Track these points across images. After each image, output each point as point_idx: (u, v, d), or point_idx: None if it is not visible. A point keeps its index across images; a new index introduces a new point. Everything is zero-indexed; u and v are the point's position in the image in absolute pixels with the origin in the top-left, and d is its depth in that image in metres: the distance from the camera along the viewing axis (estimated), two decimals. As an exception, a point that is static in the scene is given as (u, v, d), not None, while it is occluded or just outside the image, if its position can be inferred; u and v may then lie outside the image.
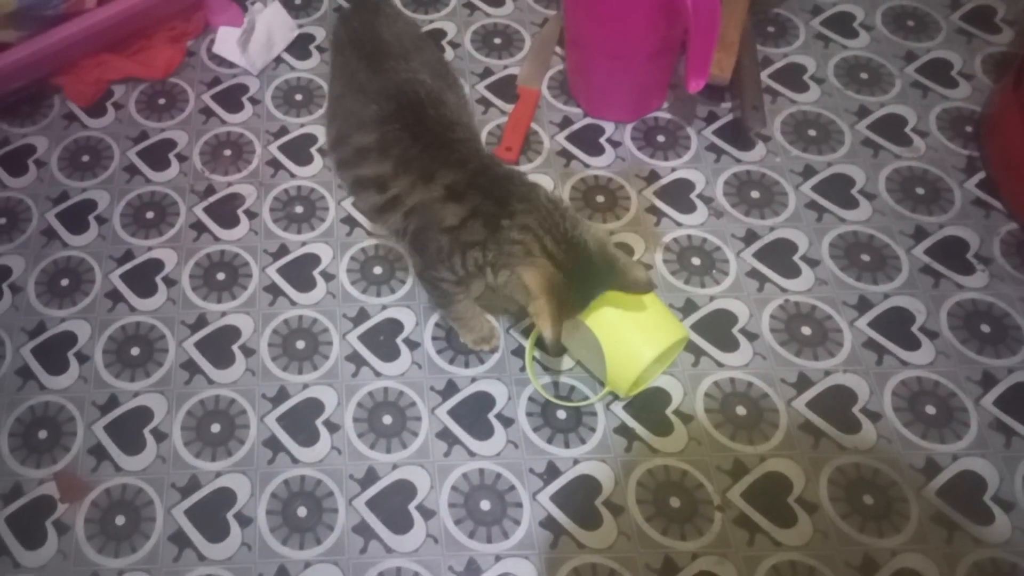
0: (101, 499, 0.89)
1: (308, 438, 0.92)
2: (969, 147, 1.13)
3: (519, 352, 0.98)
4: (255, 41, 1.23)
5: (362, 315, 1.01)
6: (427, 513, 0.87)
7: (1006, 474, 0.88)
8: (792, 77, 1.22)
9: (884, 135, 1.15)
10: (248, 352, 0.98)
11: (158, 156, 1.16)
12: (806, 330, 0.98)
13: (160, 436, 0.93)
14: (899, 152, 1.13)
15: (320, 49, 1.28)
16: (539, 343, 0.97)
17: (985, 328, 0.98)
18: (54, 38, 1.16)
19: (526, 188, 0.81)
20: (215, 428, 0.93)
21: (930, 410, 0.92)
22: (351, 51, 0.88)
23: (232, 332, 1.00)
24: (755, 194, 1.10)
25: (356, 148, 0.85)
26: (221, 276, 1.05)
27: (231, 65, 1.25)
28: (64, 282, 1.04)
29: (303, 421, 0.93)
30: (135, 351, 0.99)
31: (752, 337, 0.98)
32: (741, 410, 0.93)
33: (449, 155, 0.82)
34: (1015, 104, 1.08)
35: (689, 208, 1.09)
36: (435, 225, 0.82)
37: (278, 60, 1.26)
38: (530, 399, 0.94)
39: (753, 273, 1.03)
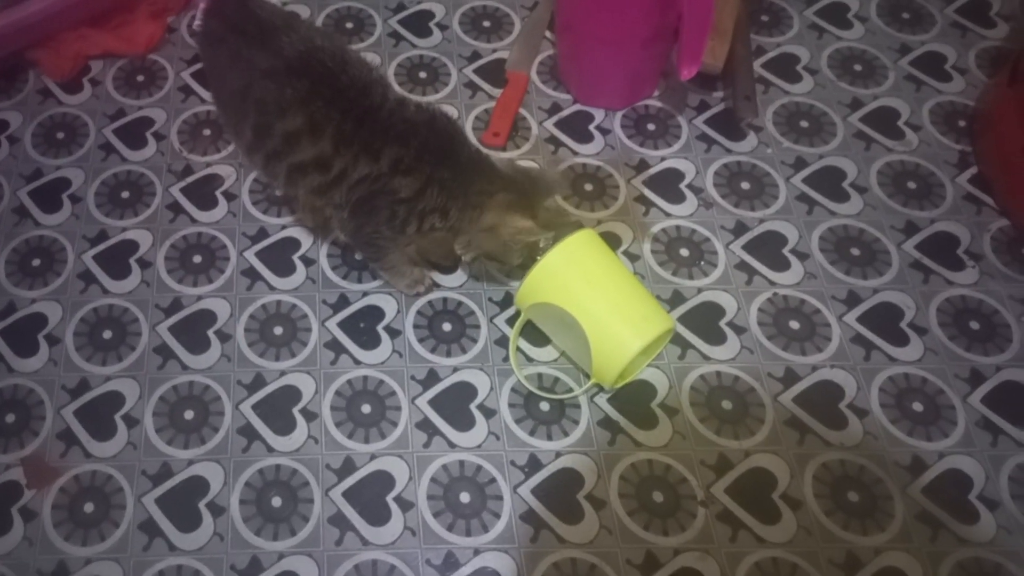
0: (70, 486, 0.87)
1: (284, 426, 0.90)
2: (962, 142, 1.12)
3: (502, 342, 0.96)
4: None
5: (342, 301, 0.99)
6: (405, 505, 0.86)
7: (992, 473, 0.87)
8: (785, 67, 1.20)
9: (876, 128, 1.14)
10: (224, 337, 0.96)
11: (135, 134, 1.13)
12: (794, 324, 0.97)
13: (131, 422, 0.90)
14: (891, 145, 1.12)
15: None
16: (524, 332, 0.95)
17: (974, 325, 0.97)
18: (31, 9, 1.12)
19: (468, 147, 0.86)
20: (188, 415, 0.91)
21: (917, 407, 0.91)
22: (235, 40, 0.84)
23: (208, 316, 0.97)
24: (745, 185, 1.08)
25: (284, 135, 0.83)
26: (197, 259, 1.02)
27: (212, 42, 1.22)
28: (35, 262, 1.01)
29: (279, 409, 0.91)
30: (107, 334, 0.96)
31: (739, 330, 0.97)
32: (727, 404, 0.92)
33: (387, 130, 0.82)
34: (1009, 100, 1.07)
35: (678, 198, 1.07)
36: (389, 194, 0.83)
37: (261, 38, 1.23)
38: (513, 390, 0.92)
39: (742, 265, 1.01)
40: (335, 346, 0.95)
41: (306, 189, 0.87)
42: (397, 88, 1.09)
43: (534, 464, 0.88)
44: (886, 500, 0.86)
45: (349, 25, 1.24)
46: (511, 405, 0.92)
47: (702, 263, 1.02)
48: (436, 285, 0.99)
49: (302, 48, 0.82)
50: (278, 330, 0.96)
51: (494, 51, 1.22)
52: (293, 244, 1.03)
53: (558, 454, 0.89)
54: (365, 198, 0.85)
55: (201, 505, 0.85)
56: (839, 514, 0.85)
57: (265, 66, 0.82)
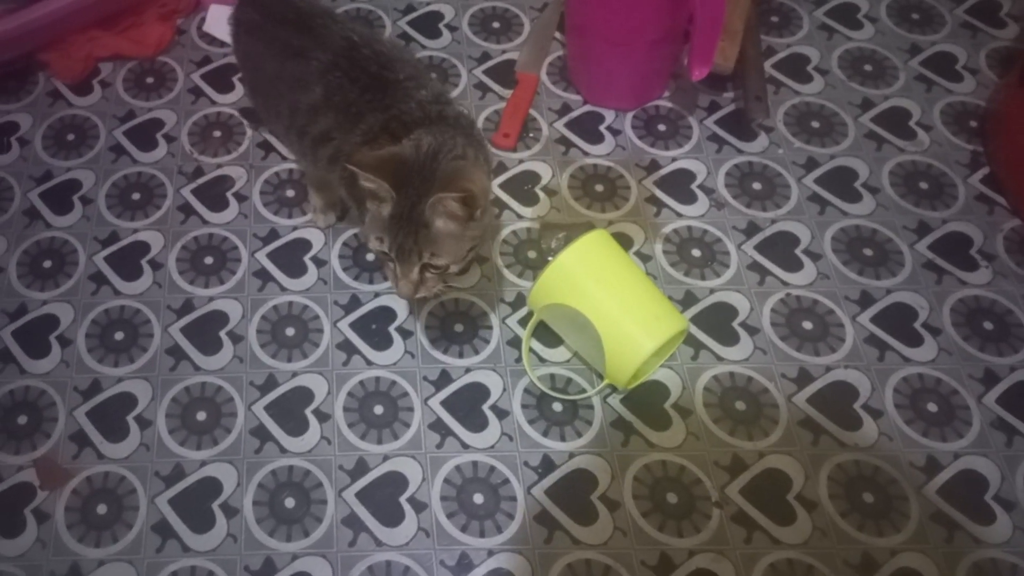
0: (82, 487, 0.86)
1: (297, 427, 0.90)
2: (973, 142, 1.12)
3: (515, 343, 0.95)
4: (247, 20, 1.20)
5: (354, 302, 0.99)
6: (419, 506, 0.85)
7: (1007, 473, 0.87)
8: (795, 68, 1.20)
9: (888, 128, 1.13)
10: (236, 338, 0.96)
11: (145, 136, 1.13)
12: (807, 325, 0.97)
13: (144, 423, 0.90)
14: (903, 146, 1.12)
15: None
16: (536, 333, 0.95)
17: (988, 325, 0.96)
18: (41, 12, 1.12)
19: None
20: (201, 416, 0.90)
21: (931, 407, 0.91)
22: (273, 26, 0.88)
23: (220, 317, 0.97)
24: (757, 186, 1.08)
25: (307, 109, 0.85)
26: (209, 260, 1.02)
27: (222, 44, 1.22)
28: (47, 264, 1.01)
29: (292, 410, 0.91)
30: (119, 335, 0.96)
31: (752, 331, 0.96)
32: (740, 405, 0.91)
33: (382, 98, 0.82)
34: (1020, 100, 1.06)
35: (690, 199, 1.07)
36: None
37: (271, 40, 1.23)
38: (525, 391, 0.92)
39: (754, 266, 1.01)
40: (347, 347, 0.95)
41: (325, 160, 0.87)
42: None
43: (547, 465, 0.88)
44: (901, 501, 0.85)
45: (358, 26, 1.24)
46: (524, 406, 0.91)
47: (714, 264, 1.01)
48: (448, 287, 0.99)
49: (335, 29, 0.85)
50: (290, 331, 0.96)
51: (504, 52, 1.22)
52: (304, 245, 1.03)
53: (571, 455, 0.88)
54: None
55: (214, 506, 0.85)
56: (854, 515, 0.85)
57: (298, 45, 0.85)
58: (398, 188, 0.76)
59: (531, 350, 0.95)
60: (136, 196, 1.07)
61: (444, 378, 0.93)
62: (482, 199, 0.77)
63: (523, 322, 0.97)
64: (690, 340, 0.95)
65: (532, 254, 1.02)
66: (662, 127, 1.14)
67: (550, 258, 0.98)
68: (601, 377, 0.91)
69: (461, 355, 0.95)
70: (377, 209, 0.78)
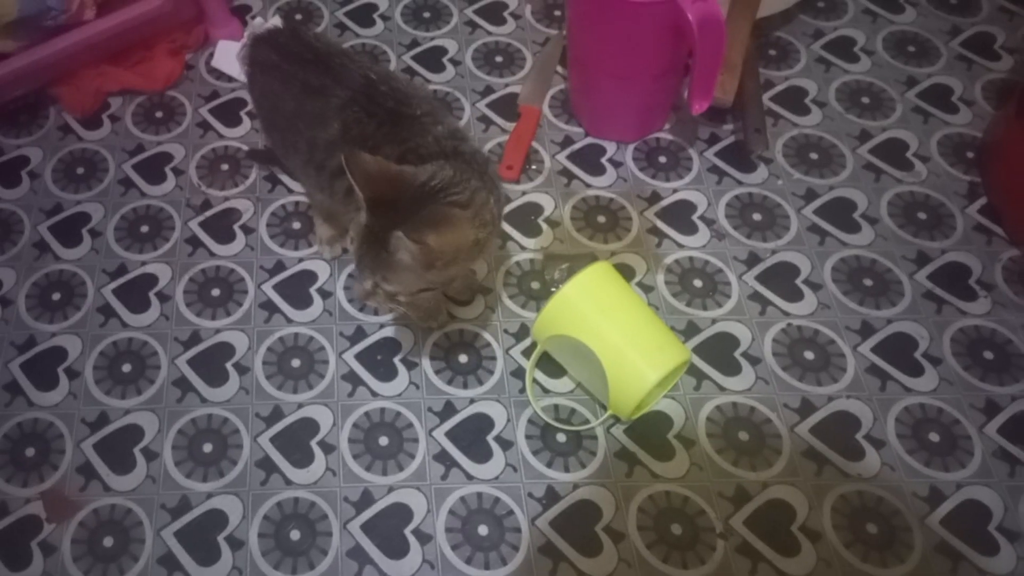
0: (89, 519, 0.87)
1: (302, 459, 0.90)
2: (970, 173, 1.13)
3: (518, 374, 0.96)
4: (255, 55, 1.22)
5: (359, 333, 0.99)
6: (423, 538, 0.86)
7: (1010, 503, 0.87)
8: (794, 100, 1.21)
9: (886, 159, 1.15)
10: (242, 370, 0.97)
11: (154, 169, 1.15)
12: (809, 355, 0.97)
13: (151, 455, 0.91)
14: (901, 177, 1.13)
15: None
16: (540, 364, 0.96)
17: (988, 355, 0.97)
18: (53, 48, 1.15)
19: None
20: (207, 448, 0.91)
21: (933, 437, 0.91)
22: (291, 66, 0.89)
23: (226, 349, 0.98)
24: (757, 216, 1.09)
25: (325, 144, 0.86)
26: (216, 292, 1.03)
27: (230, 79, 1.24)
28: (55, 296, 1.03)
29: (297, 442, 0.92)
30: (126, 368, 0.97)
31: (754, 361, 0.97)
32: (743, 435, 0.92)
33: (398, 132, 0.83)
34: (1017, 131, 1.08)
35: (691, 230, 1.08)
36: None
37: (278, 75, 1.25)
38: (529, 422, 0.93)
39: (755, 296, 1.02)
40: (352, 378, 0.96)
41: (341, 193, 0.87)
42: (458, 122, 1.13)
43: (552, 496, 0.88)
44: (905, 532, 0.85)
45: (364, 61, 1.27)
46: (528, 437, 0.92)
47: (716, 294, 1.02)
48: (452, 317, 1.00)
49: (352, 68, 0.87)
50: (296, 362, 0.97)
51: (507, 85, 1.24)
52: (310, 277, 1.04)
53: (575, 486, 0.89)
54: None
55: (220, 539, 0.85)
56: (858, 546, 0.85)
57: (317, 84, 0.86)
58: (377, 203, 0.76)
59: (535, 381, 0.96)
60: (144, 229, 1.09)
61: (448, 409, 0.94)
62: (441, 256, 0.76)
63: (527, 353, 0.98)
64: (692, 370, 0.96)
65: (535, 285, 1.04)
66: (663, 159, 1.15)
67: (553, 289, 0.99)
68: (604, 408, 0.91)
69: (465, 386, 0.95)
70: (361, 212, 0.79)
